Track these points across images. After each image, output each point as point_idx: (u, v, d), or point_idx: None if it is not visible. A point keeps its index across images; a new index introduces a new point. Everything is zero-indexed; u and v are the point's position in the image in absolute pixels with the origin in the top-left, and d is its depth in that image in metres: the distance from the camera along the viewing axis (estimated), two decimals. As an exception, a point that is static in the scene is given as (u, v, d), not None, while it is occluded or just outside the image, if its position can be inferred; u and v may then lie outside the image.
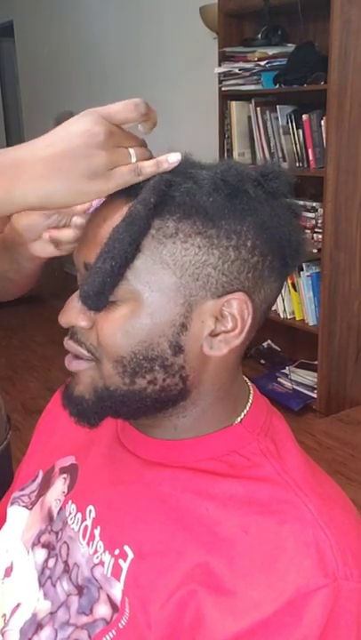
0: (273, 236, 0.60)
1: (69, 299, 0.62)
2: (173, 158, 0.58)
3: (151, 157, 0.59)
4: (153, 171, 0.57)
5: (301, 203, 2.83)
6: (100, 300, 0.57)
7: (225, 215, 0.57)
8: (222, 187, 0.57)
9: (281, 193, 0.61)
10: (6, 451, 1.15)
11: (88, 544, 0.66)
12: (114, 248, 0.55)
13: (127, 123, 0.59)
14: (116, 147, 0.57)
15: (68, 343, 0.62)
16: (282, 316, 3.03)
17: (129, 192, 0.58)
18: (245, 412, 0.66)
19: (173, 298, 0.58)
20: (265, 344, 3.43)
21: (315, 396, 2.92)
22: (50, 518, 0.73)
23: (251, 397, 0.68)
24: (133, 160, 0.58)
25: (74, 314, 0.61)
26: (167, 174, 0.57)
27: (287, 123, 2.87)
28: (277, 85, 2.81)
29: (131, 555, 0.61)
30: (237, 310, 0.59)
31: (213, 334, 0.60)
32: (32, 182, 0.57)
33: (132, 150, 0.58)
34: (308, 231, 2.84)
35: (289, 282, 2.94)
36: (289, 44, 2.89)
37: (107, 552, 0.63)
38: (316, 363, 2.92)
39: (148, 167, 0.58)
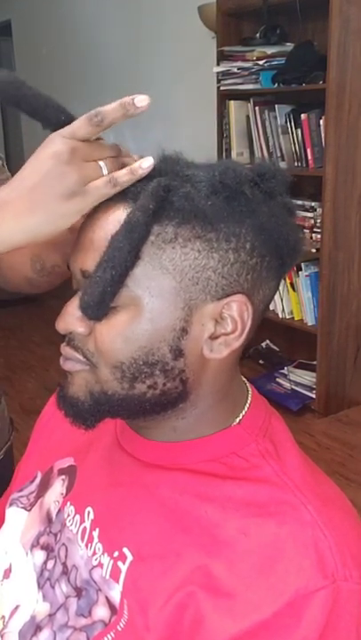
0: (271, 237, 0.59)
1: (67, 304, 0.62)
2: (146, 164, 0.57)
3: (124, 165, 0.59)
4: (128, 179, 0.57)
5: (300, 202, 2.83)
6: (100, 310, 0.57)
7: (224, 218, 0.57)
8: (221, 189, 0.57)
9: (278, 192, 0.61)
10: (9, 452, 1.15)
11: (87, 546, 0.66)
12: (114, 257, 0.55)
13: (89, 136, 0.58)
14: (84, 161, 0.57)
15: (65, 349, 0.62)
16: (280, 316, 3.03)
17: (124, 196, 0.58)
18: (244, 412, 0.66)
19: (173, 302, 0.57)
20: (264, 344, 3.43)
21: (314, 396, 2.92)
22: (48, 520, 0.72)
23: (249, 398, 0.68)
24: (105, 172, 0.58)
25: (71, 320, 0.60)
26: (164, 178, 0.57)
27: (286, 122, 2.86)
28: (276, 85, 2.80)
29: (130, 557, 0.61)
30: (237, 312, 0.59)
31: (213, 337, 0.60)
32: (14, 221, 0.57)
33: (101, 163, 0.58)
34: (307, 231, 2.84)
35: (288, 282, 2.94)
36: (288, 44, 2.89)
37: (105, 554, 0.63)
38: (314, 363, 2.92)
39: (124, 176, 0.57)
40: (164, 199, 0.56)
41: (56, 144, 0.57)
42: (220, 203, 0.57)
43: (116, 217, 0.57)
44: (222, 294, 0.58)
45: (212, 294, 0.58)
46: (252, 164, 2.92)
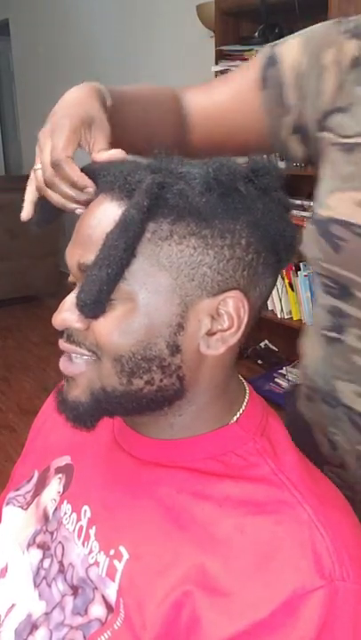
0: (267, 233, 0.59)
1: (63, 300, 0.62)
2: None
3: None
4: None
5: (298, 202, 2.82)
6: (97, 308, 0.57)
7: (218, 215, 0.57)
8: (215, 186, 0.57)
9: (272, 188, 0.61)
10: None
11: (83, 544, 0.65)
12: (109, 255, 0.55)
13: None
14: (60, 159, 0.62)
15: (65, 345, 0.62)
16: (279, 316, 3.03)
17: (120, 192, 0.58)
18: (241, 411, 0.66)
19: (170, 299, 0.57)
20: (262, 344, 3.43)
21: (312, 395, 2.91)
22: (45, 518, 0.72)
23: (247, 397, 0.68)
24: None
25: (68, 315, 0.60)
26: (158, 175, 0.57)
27: (284, 122, 2.86)
28: (274, 84, 2.80)
29: (126, 555, 0.61)
30: (233, 308, 0.59)
31: (210, 333, 0.60)
32: None
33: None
34: (306, 230, 2.83)
35: (286, 281, 2.94)
36: (286, 43, 2.88)
37: (102, 552, 0.63)
38: (313, 362, 2.91)
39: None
40: (158, 196, 0.56)
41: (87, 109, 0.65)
42: (215, 199, 0.57)
43: (112, 215, 0.57)
44: (218, 290, 0.58)
45: (208, 290, 0.58)
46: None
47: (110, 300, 0.57)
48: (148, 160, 0.61)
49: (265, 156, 0.65)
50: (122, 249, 0.55)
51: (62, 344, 0.62)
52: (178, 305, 0.58)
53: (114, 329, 0.58)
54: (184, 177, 0.57)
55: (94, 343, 0.60)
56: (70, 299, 0.61)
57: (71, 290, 0.62)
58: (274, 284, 0.64)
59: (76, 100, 0.69)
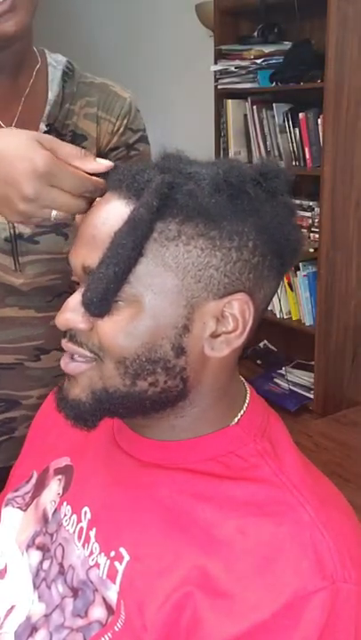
0: (273, 236, 0.59)
1: (67, 300, 0.61)
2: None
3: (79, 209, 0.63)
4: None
5: (298, 202, 2.82)
6: (103, 307, 0.57)
7: (227, 216, 0.57)
8: (224, 187, 0.57)
9: (280, 192, 0.61)
10: None
11: (83, 546, 0.65)
12: (117, 254, 0.55)
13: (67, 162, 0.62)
14: (42, 206, 0.62)
15: (68, 345, 0.62)
16: (278, 316, 3.03)
17: (127, 192, 0.57)
18: (242, 412, 0.66)
19: (175, 300, 0.57)
20: (261, 344, 3.42)
21: (311, 396, 2.91)
22: (45, 520, 0.72)
23: (247, 398, 0.68)
24: (52, 217, 0.63)
25: (72, 316, 0.60)
26: (168, 175, 0.57)
27: (284, 121, 2.86)
28: (274, 83, 2.79)
29: (127, 557, 0.61)
30: (238, 311, 0.59)
31: (214, 335, 0.59)
32: None
33: (54, 212, 0.62)
34: (305, 230, 2.83)
35: (285, 281, 2.93)
36: (285, 42, 2.88)
37: (102, 554, 0.63)
38: (312, 363, 2.91)
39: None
40: (167, 196, 0.55)
41: (37, 162, 0.60)
42: (224, 201, 0.57)
43: (119, 213, 0.57)
44: (224, 293, 0.58)
45: (214, 292, 0.58)
46: (251, 163, 2.91)
47: (116, 302, 0.57)
48: (156, 159, 0.61)
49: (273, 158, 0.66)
50: (130, 248, 0.55)
51: (65, 344, 0.62)
52: (184, 307, 0.57)
53: (119, 331, 0.58)
54: (193, 177, 0.57)
55: (97, 345, 0.59)
56: (74, 299, 0.60)
57: (74, 290, 0.62)
58: (277, 286, 0.64)
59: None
